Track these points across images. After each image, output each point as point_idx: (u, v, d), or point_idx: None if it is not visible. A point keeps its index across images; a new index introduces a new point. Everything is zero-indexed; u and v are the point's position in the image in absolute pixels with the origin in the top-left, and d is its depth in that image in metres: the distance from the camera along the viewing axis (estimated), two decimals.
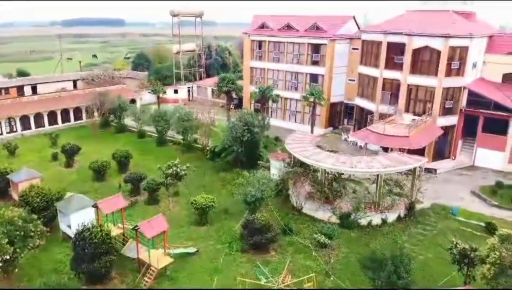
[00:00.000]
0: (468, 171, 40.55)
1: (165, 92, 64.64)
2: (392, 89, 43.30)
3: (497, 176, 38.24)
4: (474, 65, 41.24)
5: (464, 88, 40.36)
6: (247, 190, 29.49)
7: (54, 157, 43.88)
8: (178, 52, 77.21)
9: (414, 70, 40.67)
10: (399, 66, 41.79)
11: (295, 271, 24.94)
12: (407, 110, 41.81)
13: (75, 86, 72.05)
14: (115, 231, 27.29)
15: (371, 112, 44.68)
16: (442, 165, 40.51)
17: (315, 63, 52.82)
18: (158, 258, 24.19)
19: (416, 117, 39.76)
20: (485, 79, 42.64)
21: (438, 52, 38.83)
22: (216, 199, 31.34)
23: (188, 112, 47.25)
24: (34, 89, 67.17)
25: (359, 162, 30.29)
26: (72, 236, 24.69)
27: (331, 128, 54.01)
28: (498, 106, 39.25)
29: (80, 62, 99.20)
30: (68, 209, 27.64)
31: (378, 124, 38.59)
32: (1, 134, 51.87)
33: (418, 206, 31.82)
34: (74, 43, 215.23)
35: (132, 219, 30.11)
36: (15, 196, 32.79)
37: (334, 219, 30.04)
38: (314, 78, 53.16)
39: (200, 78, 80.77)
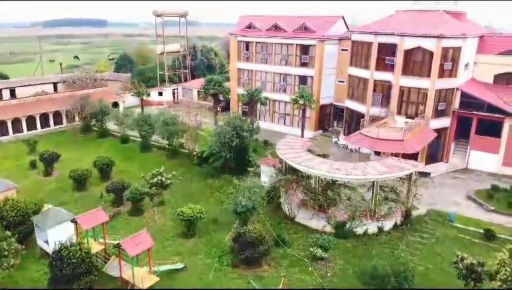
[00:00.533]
0: (462, 174, 39.77)
1: (149, 95, 62.54)
2: (383, 91, 42.24)
3: (491, 179, 37.59)
4: (466, 66, 40.48)
5: (457, 89, 39.53)
6: (237, 200, 27.93)
7: (32, 165, 41.67)
8: (162, 53, 74.94)
9: (406, 71, 39.55)
10: (390, 68, 40.70)
11: (291, 285, 23.58)
12: (399, 113, 40.71)
13: (55, 89, 69.19)
14: (96, 247, 25.48)
15: (361, 114, 43.55)
16: (435, 169, 39.59)
17: (304, 64, 51.51)
18: (142, 277, 22.45)
19: (409, 120, 38.68)
20: (477, 80, 41.99)
21: (431, 53, 37.83)
22: (204, 209, 29.66)
23: (174, 116, 45.20)
24: (12, 93, 64.29)
25: (354, 168, 28.97)
26: (50, 252, 23.01)
27: (321, 131, 52.81)
28: (491, 108, 38.57)
29: (61, 64, 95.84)
30: (45, 224, 25.76)
31: (371, 127, 37.33)
32: None
33: (414, 213, 30.73)
34: (56, 44, 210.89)
35: (115, 232, 28.36)
36: None
37: (329, 228, 28.74)
38: (303, 79, 51.90)
39: (185, 80, 78.78)
